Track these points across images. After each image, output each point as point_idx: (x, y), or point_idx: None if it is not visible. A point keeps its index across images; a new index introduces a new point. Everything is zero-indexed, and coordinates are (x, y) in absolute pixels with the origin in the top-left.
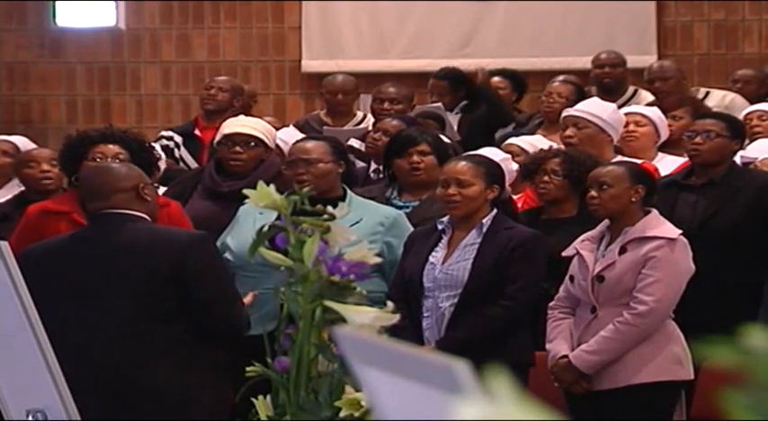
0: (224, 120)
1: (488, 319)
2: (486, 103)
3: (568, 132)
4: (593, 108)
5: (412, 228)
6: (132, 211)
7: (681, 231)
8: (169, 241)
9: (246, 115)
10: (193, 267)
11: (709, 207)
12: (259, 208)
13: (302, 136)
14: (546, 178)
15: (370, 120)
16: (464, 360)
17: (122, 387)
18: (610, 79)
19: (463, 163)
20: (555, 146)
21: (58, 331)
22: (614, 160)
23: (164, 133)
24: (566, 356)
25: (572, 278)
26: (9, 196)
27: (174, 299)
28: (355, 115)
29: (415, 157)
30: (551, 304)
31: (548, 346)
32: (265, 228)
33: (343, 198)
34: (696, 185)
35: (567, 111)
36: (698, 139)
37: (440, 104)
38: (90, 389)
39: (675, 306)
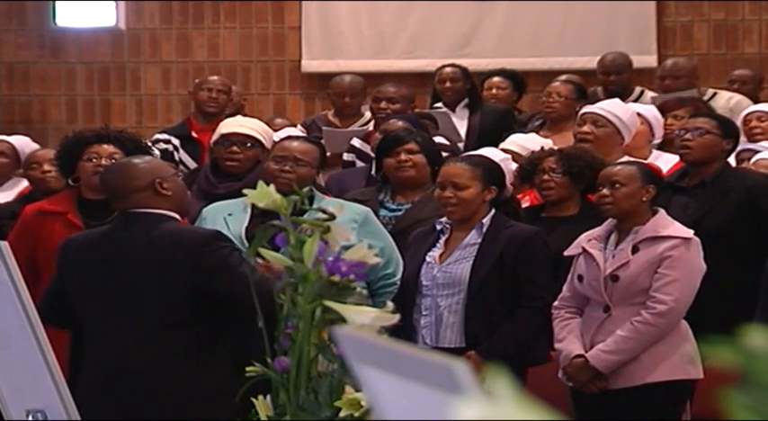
0: (219, 121)
1: (525, 324)
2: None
3: (586, 128)
4: (615, 108)
5: (380, 224)
6: (154, 210)
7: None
8: (182, 245)
9: (243, 116)
10: (211, 269)
11: (699, 208)
12: (227, 209)
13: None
14: (546, 177)
15: None
16: (506, 366)
17: (141, 391)
18: (614, 87)
19: (460, 164)
20: (550, 144)
21: (87, 331)
22: (621, 160)
23: (159, 136)
24: (581, 356)
25: (580, 277)
26: (9, 196)
27: (194, 302)
28: (363, 115)
29: (403, 156)
30: (556, 304)
31: (558, 346)
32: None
33: (312, 198)
34: (688, 187)
35: (588, 108)
36: (688, 136)
37: (445, 110)
38: (109, 394)
39: None
